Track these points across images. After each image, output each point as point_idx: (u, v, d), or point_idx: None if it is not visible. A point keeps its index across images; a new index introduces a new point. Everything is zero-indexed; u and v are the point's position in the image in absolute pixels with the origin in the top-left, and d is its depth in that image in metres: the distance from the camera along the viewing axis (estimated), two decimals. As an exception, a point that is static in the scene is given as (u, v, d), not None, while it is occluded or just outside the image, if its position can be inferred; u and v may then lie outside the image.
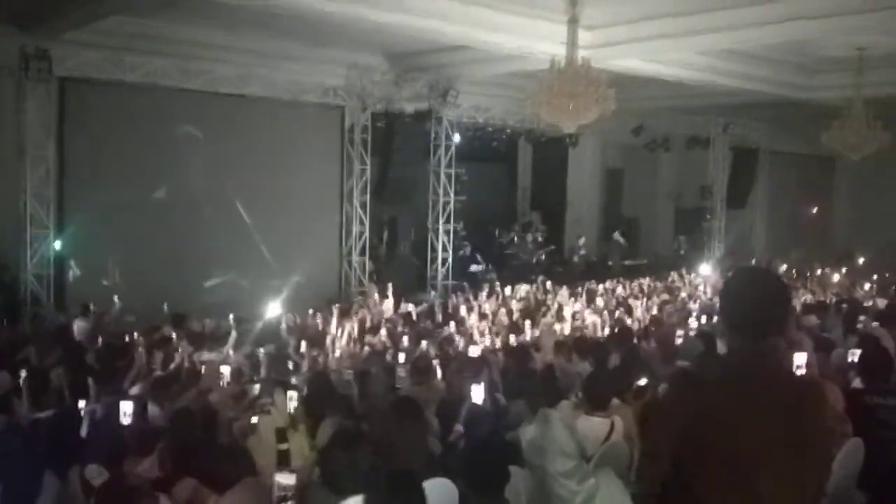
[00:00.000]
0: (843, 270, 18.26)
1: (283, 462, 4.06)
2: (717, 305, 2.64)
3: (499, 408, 5.12)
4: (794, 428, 2.26)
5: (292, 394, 5.15)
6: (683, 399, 2.37)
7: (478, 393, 5.02)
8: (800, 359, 4.41)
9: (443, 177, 16.90)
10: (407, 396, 4.77)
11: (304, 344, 9.83)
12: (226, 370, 6.47)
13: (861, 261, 20.52)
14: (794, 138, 22.25)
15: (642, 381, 4.96)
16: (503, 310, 12.72)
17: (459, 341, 10.06)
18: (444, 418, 5.07)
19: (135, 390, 7.35)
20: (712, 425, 2.27)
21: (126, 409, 5.26)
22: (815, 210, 24.81)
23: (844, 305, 11.72)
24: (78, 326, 11.22)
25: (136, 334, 10.32)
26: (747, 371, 2.34)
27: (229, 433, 5.97)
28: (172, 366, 8.90)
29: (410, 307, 13.58)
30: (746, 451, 2.23)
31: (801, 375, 4.24)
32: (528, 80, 14.70)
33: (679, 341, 8.04)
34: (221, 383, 6.28)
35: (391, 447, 3.95)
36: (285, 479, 3.24)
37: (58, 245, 13.11)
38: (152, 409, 6.07)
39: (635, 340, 8.40)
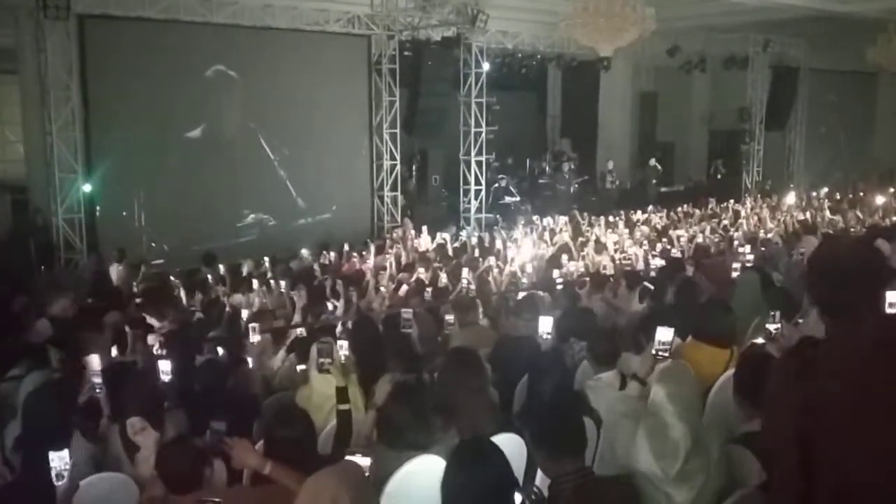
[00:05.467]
0: (892, 191, 17.65)
1: (345, 424, 3.85)
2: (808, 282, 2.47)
3: (560, 355, 4.85)
4: None
5: (342, 343, 4.96)
6: (796, 382, 2.11)
7: (541, 338, 4.78)
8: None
9: (473, 107, 16.38)
10: (464, 347, 4.51)
11: (339, 283, 9.60)
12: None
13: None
14: (836, 55, 21.40)
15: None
16: (542, 243, 12.40)
17: (500, 277, 9.77)
18: (501, 365, 4.82)
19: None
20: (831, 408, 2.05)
21: (164, 367, 5.07)
22: (856, 129, 23.97)
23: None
24: (115, 271, 11.12)
25: (171, 278, 10.19)
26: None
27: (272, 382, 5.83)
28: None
29: (447, 236, 13.28)
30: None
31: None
32: (557, 2, 14.12)
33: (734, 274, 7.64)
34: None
35: (453, 404, 3.73)
36: (358, 461, 3.06)
37: (87, 188, 12.92)
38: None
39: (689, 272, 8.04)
